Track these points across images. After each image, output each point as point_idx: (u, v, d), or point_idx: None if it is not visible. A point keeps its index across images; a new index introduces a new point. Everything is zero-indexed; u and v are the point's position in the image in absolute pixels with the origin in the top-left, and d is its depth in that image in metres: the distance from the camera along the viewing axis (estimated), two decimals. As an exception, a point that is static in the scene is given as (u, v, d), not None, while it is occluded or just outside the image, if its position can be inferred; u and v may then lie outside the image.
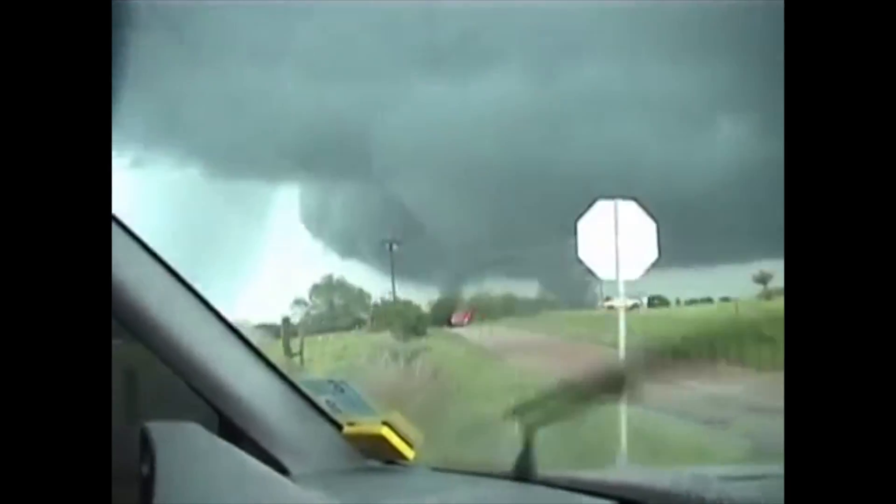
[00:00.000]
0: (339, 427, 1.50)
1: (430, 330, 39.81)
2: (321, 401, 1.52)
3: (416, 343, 28.44)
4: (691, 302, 49.48)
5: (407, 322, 34.23)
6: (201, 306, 1.47)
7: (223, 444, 1.15)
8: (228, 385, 1.43)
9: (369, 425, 1.47)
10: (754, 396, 12.17)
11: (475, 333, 40.93)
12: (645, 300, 51.48)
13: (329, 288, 42.16)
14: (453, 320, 60.62)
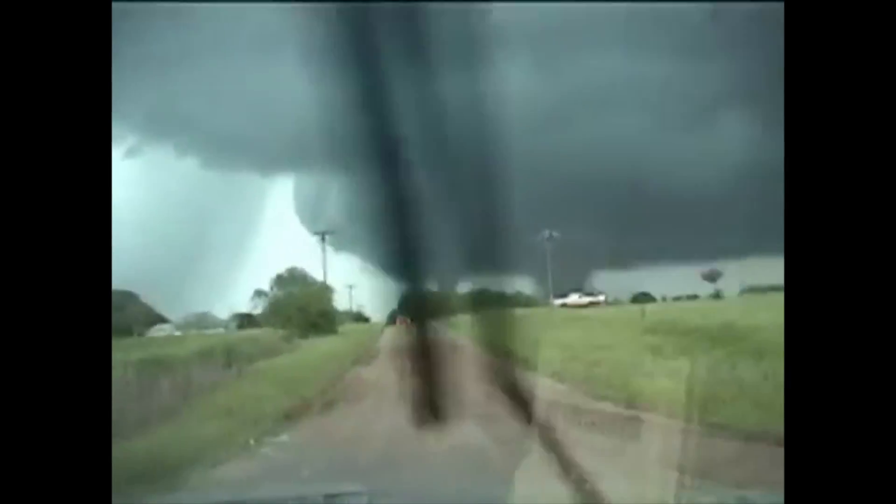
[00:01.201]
0: None
1: (343, 328, 37.14)
2: None
3: (294, 343, 26.27)
4: (678, 298, 49.83)
5: (308, 318, 32.36)
6: None
7: None
8: None
9: None
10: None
11: (392, 335, 39.73)
12: (602, 297, 51.54)
13: (292, 280, 41.17)
14: (398, 322, 61.02)
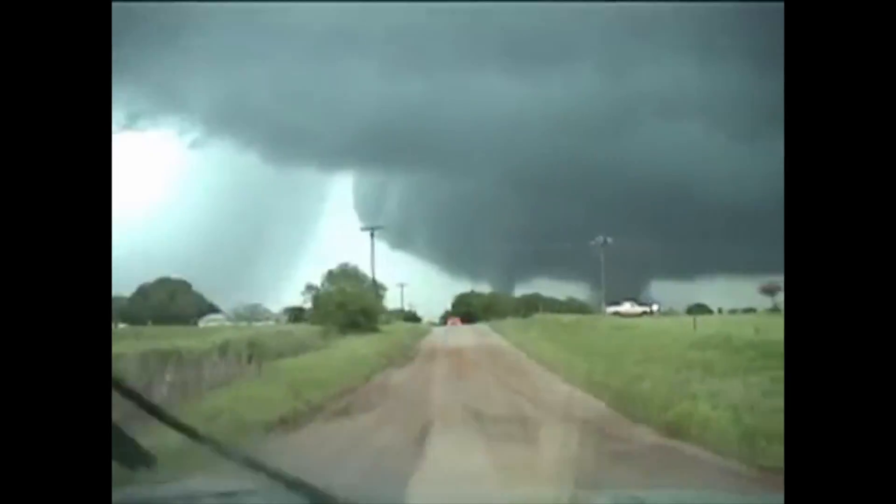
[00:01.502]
0: None
1: (388, 327, 36.00)
2: None
3: (329, 340, 25.04)
4: (734, 311, 48.17)
5: (348, 315, 31.77)
6: None
7: None
8: None
9: None
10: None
11: (437, 336, 37.55)
12: (656, 307, 50.52)
13: (343, 275, 41.05)
14: (449, 322, 61.86)
